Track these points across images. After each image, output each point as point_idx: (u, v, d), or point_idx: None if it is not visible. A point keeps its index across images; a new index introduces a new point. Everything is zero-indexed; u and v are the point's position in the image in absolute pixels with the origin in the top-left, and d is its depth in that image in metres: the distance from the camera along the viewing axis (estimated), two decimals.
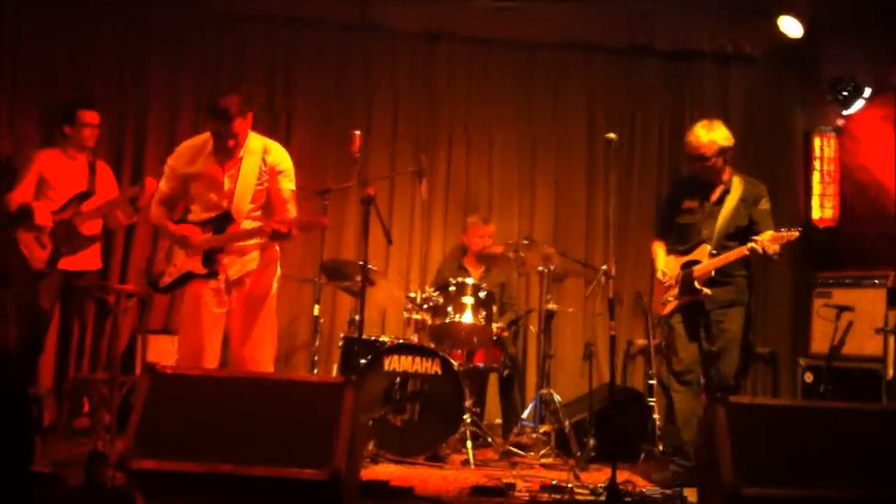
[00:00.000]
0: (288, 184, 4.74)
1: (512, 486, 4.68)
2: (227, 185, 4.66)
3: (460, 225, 7.12)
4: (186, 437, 3.59)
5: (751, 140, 7.72)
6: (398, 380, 5.69)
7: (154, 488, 3.56)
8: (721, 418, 3.77)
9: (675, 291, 5.31)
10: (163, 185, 4.82)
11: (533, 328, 6.57)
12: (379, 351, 5.79)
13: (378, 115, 7.56)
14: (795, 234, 5.03)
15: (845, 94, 7.10)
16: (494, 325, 6.10)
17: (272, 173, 4.70)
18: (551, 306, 6.20)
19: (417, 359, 5.73)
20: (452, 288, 6.02)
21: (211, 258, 4.65)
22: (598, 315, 6.59)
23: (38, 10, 7.06)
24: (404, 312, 6.21)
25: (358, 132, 4.87)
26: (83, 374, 6.33)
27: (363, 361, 5.68)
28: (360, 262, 5.12)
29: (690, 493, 4.31)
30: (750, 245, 5.00)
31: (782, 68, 7.83)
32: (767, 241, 4.97)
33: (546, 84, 7.76)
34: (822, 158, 7.45)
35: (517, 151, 7.70)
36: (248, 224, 4.68)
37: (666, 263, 5.40)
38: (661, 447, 6.40)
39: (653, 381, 6.59)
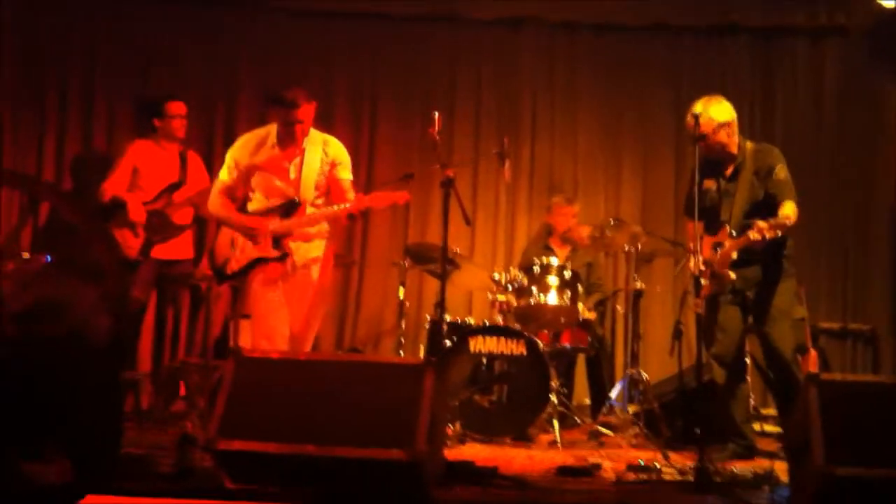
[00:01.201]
0: (347, 174, 5.01)
1: (598, 466, 4.63)
2: (292, 174, 4.91)
3: (545, 207, 7.07)
4: (270, 418, 3.65)
5: (847, 118, 7.52)
6: (484, 361, 5.70)
7: (240, 469, 3.63)
8: (812, 397, 3.67)
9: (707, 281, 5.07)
10: (225, 177, 4.99)
11: (620, 308, 6.50)
12: (464, 333, 5.80)
13: (462, 101, 7.57)
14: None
15: None
16: (580, 306, 6.04)
17: (332, 164, 4.96)
18: (639, 286, 6.10)
19: (503, 340, 5.72)
20: (537, 269, 5.99)
21: (279, 242, 4.86)
22: (688, 293, 6.46)
23: (133, 9, 7.26)
24: (489, 294, 6.20)
25: (437, 113, 4.87)
26: (178, 359, 6.51)
27: (448, 343, 5.69)
28: (442, 245, 5.13)
29: (782, 472, 4.19)
30: (751, 235, 4.69)
31: (879, 42, 7.51)
32: (766, 228, 4.65)
33: (632, 66, 7.65)
34: None
35: (602, 133, 7.63)
36: (311, 212, 4.91)
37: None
38: (756, 427, 6.29)
39: (747, 360, 6.43)
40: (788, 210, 4.87)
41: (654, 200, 7.51)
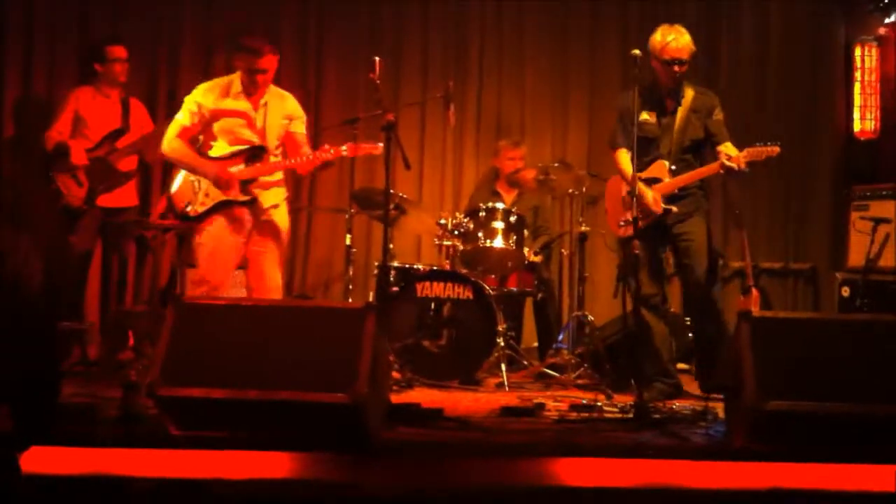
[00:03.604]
0: (302, 128, 5.19)
1: (541, 406, 4.72)
2: (259, 122, 5.01)
3: (492, 150, 7.07)
4: (213, 364, 3.67)
5: (791, 53, 7.57)
6: (432, 305, 5.74)
7: (183, 415, 3.66)
8: (745, 333, 3.77)
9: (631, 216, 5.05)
10: (185, 121, 5.01)
11: (566, 251, 6.56)
12: (411, 278, 5.84)
13: (409, 44, 7.50)
14: (776, 150, 4.86)
15: (886, 1, 6.87)
16: (526, 250, 6.10)
17: (290, 118, 5.11)
18: (584, 229, 6.16)
19: (450, 285, 5.76)
20: (483, 213, 6.02)
21: (246, 187, 4.96)
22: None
23: None
24: (435, 239, 6.23)
25: (378, 58, 4.89)
26: (124, 307, 6.47)
27: (395, 289, 5.72)
28: (392, 191, 5.19)
29: (719, 408, 4.30)
30: (725, 163, 4.85)
31: None
32: (743, 157, 4.84)
33: (580, 8, 7.61)
34: (862, 69, 7.25)
35: (549, 76, 7.59)
36: (273, 160, 5.03)
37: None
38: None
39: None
40: (734, 150, 4.97)
41: (600, 144, 7.45)
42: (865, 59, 7.23)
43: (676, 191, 5.07)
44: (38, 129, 6.33)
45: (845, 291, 6.53)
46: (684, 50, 5.02)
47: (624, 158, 5.22)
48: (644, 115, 5.13)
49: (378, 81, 4.85)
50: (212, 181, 4.92)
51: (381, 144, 4.98)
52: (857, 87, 7.28)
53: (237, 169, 4.94)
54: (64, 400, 4.03)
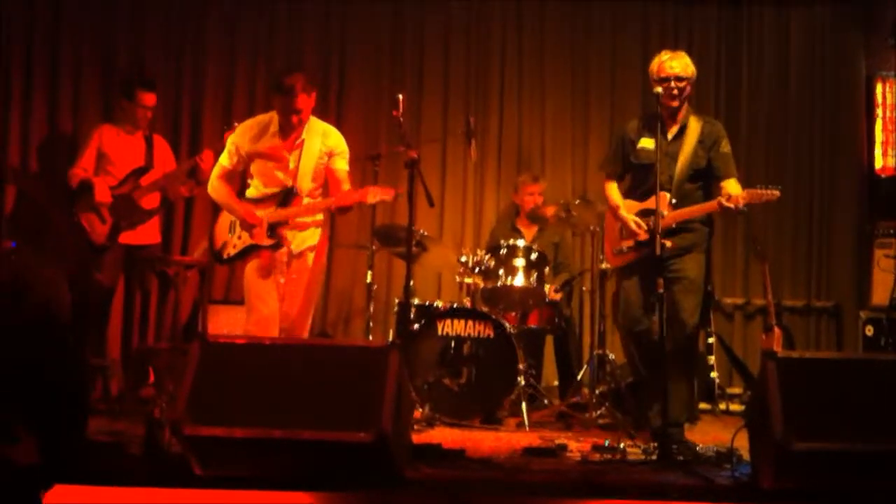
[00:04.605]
0: (343, 165, 5.09)
1: (564, 447, 4.69)
2: (292, 164, 5.00)
3: (513, 186, 7.08)
4: (237, 403, 3.67)
5: (811, 87, 7.57)
6: (452, 343, 5.73)
7: (207, 454, 3.65)
8: (771, 373, 3.74)
9: (631, 243, 4.98)
10: (225, 162, 5.08)
11: (587, 288, 6.54)
12: (432, 315, 5.83)
13: (429, 78, 7.54)
14: (776, 194, 4.71)
15: None
16: (547, 287, 6.09)
17: (330, 155, 5.05)
18: (605, 266, 6.14)
19: (470, 322, 5.75)
20: (503, 251, 6.02)
21: (275, 230, 4.96)
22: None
23: None
24: (456, 277, 6.24)
25: (401, 95, 4.93)
26: (147, 344, 6.50)
27: (416, 327, 5.72)
28: (414, 228, 5.21)
29: (743, 450, 4.26)
30: (723, 203, 4.71)
31: (843, 12, 7.59)
32: (742, 198, 4.69)
33: (601, 39, 7.65)
34: (884, 105, 7.25)
35: (570, 107, 7.61)
36: (307, 201, 5.02)
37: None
38: (721, 405, 6.39)
39: (712, 339, 6.53)
40: (737, 188, 4.85)
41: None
42: (887, 94, 7.23)
43: (674, 224, 4.86)
44: (62, 165, 6.41)
45: (869, 330, 6.48)
46: (679, 67, 4.89)
47: (611, 187, 5.15)
48: (643, 142, 5.01)
49: (401, 118, 4.87)
50: (240, 224, 4.99)
51: (393, 190, 5.03)
52: (878, 124, 7.27)
53: (267, 212, 4.97)
54: (88, 436, 4.02)
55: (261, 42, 7.42)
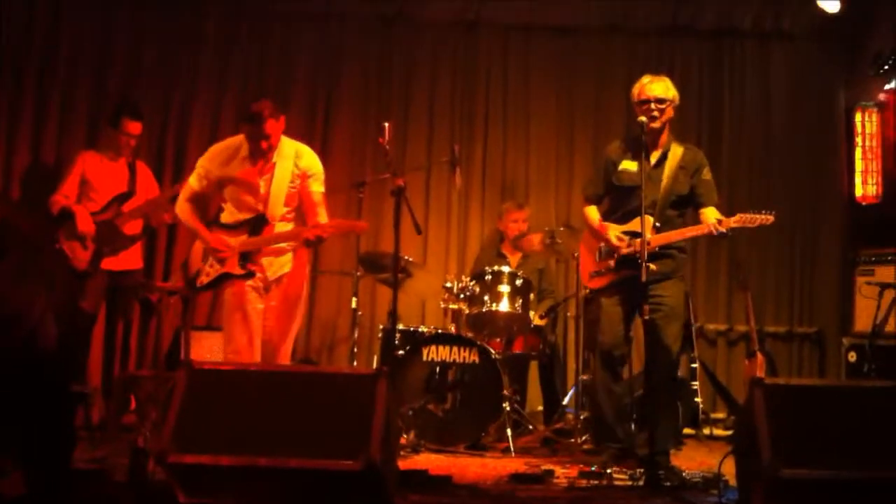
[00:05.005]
0: (318, 187, 4.94)
1: (550, 473, 4.68)
2: (262, 189, 4.85)
3: (497, 213, 7.10)
4: (224, 431, 3.63)
5: (792, 118, 7.68)
6: (437, 369, 5.72)
7: (193, 482, 3.61)
8: (758, 400, 3.74)
9: (610, 263, 4.98)
10: (194, 184, 4.97)
11: (571, 314, 6.55)
12: (417, 341, 5.82)
13: (415, 106, 7.59)
14: (770, 218, 4.73)
15: (886, 67, 6.97)
16: (532, 313, 6.09)
17: (304, 177, 4.90)
18: (589, 291, 6.16)
19: (455, 348, 5.75)
20: (489, 277, 6.03)
21: (247, 259, 4.82)
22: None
23: (92, 13, 7.22)
24: (441, 303, 6.23)
25: (387, 123, 4.88)
26: (129, 371, 6.44)
27: (401, 352, 5.71)
28: (394, 255, 5.13)
29: (730, 475, 4.26)
30: (716, 227, 4.72)
31: (824, 44, 7.71)
32: (734, 222, 4.71)
33: (585, 69, 7.72)
34: (863, 134, 7.33)
35: (555, 135, 7.68)
36: (281, 226, 4.87)
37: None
38: (705, 430, 6.40)
39: (695, 365, 6.55)
40: (716, 215, 4.88)
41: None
42: (866, 124, 7.31)
43: (657, 248, 4.84)
44: (44, 192, 6.37)
45: (852, 357, 6.51)
46: (660, 89, 4.91)
47: (591, 210, 5.17)
48: (625, 164, 5.02)
49: (387, 146, 4.85)
50: (212, 257, 4.85)
51: (364, 222, 5.06)
52: (857, 152, 7.35)
53: (238, 241, 4.82)
54: (71, 464, 3.98)
55: (251, 70, 7.45)
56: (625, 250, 4.90)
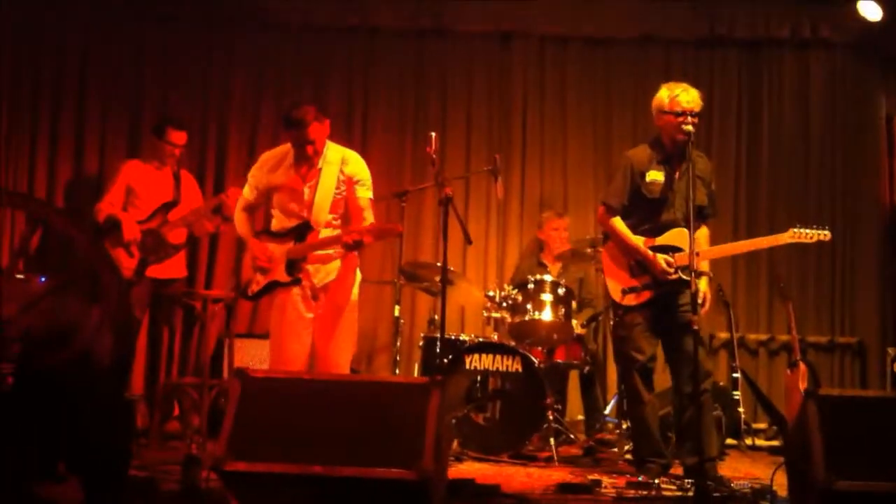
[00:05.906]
0: (365, 192, 4.87)
1: (598, 483, 4.67)
2: (306, 195, 4.82)
3: (535, 222, 7.11)
4: (277, 439, 3.65)
5: (832, 127, 7.64)
6: (479, 378, 5.73)
7: (247, 490, 3.64)
8: (812, 412, 3.73)
9: (647, 280, 4.90)
10: (246, 194, 5.00)
11: (612, 323, 6.53)
12: (459, 350, 5.84)
13: (453, 116, 7.62)
14: (827, 235, 4.90)
15: None
16: (574, 322, 6.09)
17: (349, 183, 4.84)
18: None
19: (498, 357, 5.76)
20: (531, 285, 6.03)
21: (293, 266, 4.81)
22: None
23: (129, 30, 7.34)
24: (483, 311, 6.24)
25: (434, 133, 4.89)
26: (173, 379, 6.50)
27: (444, 361, 5.72)
28: (439, 263, 5.13)
29: (780, 486, 4.24)
30: (794, 238, 4.75)
31: (863, 53, 7.67)
32: (789, 238, 4.74)
33: (622, 79, 7.71)
34: None
35: (592, 147, 7.68)
36: (326, 233, 4.83)
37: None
38: (747, 441, 6.37)
39: (737, 375, 6.51)
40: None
41: None
42: None
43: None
44: (89, 201, 6.46)
45: None
46: (695, 102, 4.83)
47: (619, 223, 4.98)
48: (652, 174, 4.92)
49: (434, 156, 4.86)
50: (255, 267, 4.85)
51: (399, 225, 4.99)
52: None
53: (284, 248, 4.80)
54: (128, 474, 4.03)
55: (286, 82, 7.51)
56: (673, 276, 4.81)
